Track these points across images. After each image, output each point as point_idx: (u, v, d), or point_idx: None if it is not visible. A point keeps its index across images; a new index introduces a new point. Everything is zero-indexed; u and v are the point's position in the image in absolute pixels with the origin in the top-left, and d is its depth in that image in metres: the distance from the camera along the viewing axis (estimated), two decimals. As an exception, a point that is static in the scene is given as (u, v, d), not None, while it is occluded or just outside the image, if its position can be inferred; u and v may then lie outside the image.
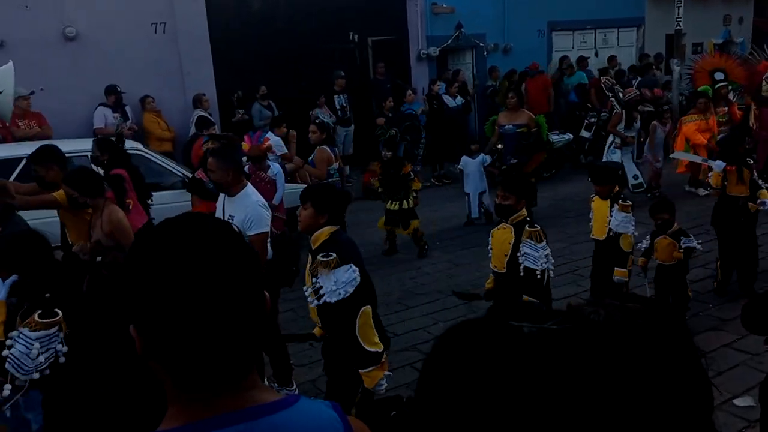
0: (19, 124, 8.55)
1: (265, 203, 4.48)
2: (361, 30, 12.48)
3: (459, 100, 12.31)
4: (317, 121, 7.65)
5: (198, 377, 1.03)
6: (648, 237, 5.55)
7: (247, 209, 4.27)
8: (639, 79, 13.02)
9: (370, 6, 12.47)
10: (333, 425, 1.16)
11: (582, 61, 14.25)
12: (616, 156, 9.34)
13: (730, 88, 10.04)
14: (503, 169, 8.32)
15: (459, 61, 14.13)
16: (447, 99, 12.12)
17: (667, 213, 5.40)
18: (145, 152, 7.51)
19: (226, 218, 4.19)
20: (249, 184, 4.51)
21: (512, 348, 0.73)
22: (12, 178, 6.49)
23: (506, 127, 8.70)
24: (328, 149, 7.33)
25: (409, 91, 11.53)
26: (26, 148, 7.10)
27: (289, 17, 11.67)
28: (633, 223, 5.13)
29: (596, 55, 15.38)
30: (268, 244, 4.50)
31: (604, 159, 9.47)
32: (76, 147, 7.31)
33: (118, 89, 9.63)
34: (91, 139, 8.75)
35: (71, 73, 9.67)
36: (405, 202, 7.66)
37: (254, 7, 11.47)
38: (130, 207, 4.01)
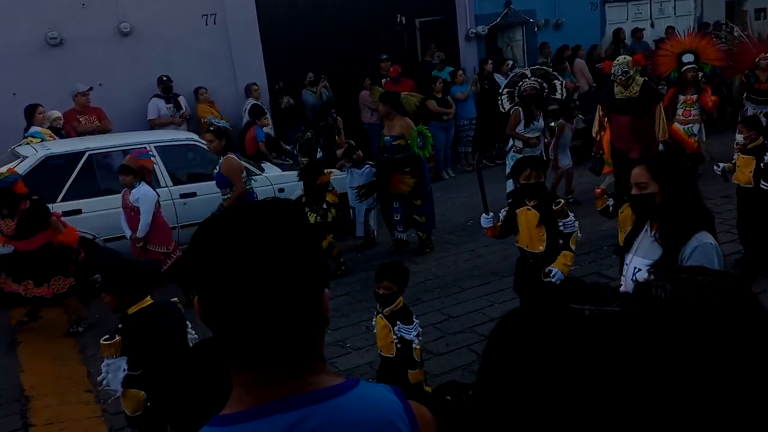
0: (80, 119, 8.83)
1: None
2: (409, 12, 12.37)
3: (510, 78, 12.10)
4: (212, 128, 6.62)
5: (247, 354, 1.06)
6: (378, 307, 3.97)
7: None
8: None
9: (417, -13, 12.35)
10: (393, 408, 1.16)
11: (637, 32, 13.80)
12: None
13: (701, 73, 8.74)
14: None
15: (509, 39, 13.87)
16: (498, 78, 11.93)
17: (388, 281, 3.82)
18: (200, 142, 7.65)
19: None
20: None
21: (573, 333, 0.71)
22: (76, 171, 6.75)
23: (386, 138, 7.32)
24: (235, 157, 6.50)
25: (460, 72, 11.40)
26: (88, 142, 7.36)
27: (336, 3, 11.66)
28: None
29: (652, 26, 14.86)
30: None
31: (507, 164, 7.92)
32: (135, 139, 7.53)
33: (164, 78, 9.78)
34: (149, 131, 9.01)
35: (127, 68, 9.90)
36: (317, 216, 6.68)
37: (301, -6, 11.52)
38: None
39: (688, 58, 8.47)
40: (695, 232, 2.78)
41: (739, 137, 6.09)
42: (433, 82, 10.79)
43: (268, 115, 9.97)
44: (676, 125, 8.61)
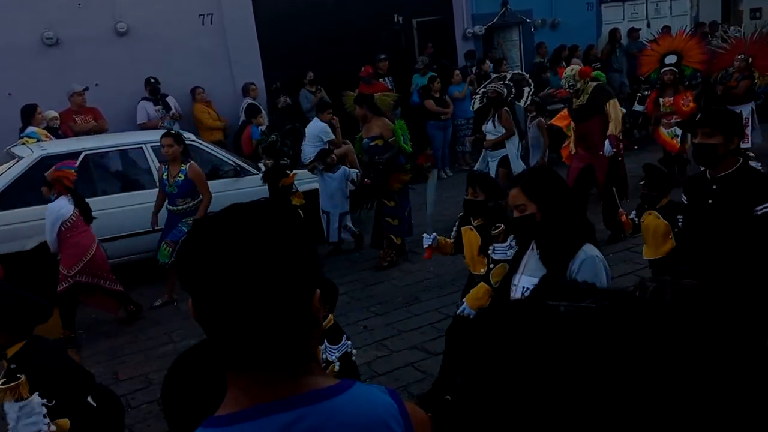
0: (76, 119, 8.82)
1: None
2: (406, 11, 12.38)
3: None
4: (173, 131, 6.48)
5: (241, 356, 1.07)
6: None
7: None
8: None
9: (414, -13, 12.35)
10: (388, 409, 1.16)
11: (633, 32, 13.84)
12: (484, 164, 8.24)
13: (687, 74, 8.67)
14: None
15: (505, 39, 13.89)
16: (495, 78, 11.95)
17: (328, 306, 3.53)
18: (197, 142, 7.64)
19: None
20: None
21: (547, 327, 0.72)
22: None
23: (364, 141, 7.22)
24: (196, 165, 6.43)
25: (457, 71, 11.41)
26: (84, 143, 7.35)
27: (334, 2, 11.66)
28: None
29: (648, 26, 14.89)
30: None
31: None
32: (131, 139, 7.53)
33: (152, 80, 9.69)
34: (146, 131, 8.97)
35: (124, 68, 9.88)
36: None
37: (298, -6, 11.51)
38: None
39: (670, 59, 8.30)
40: (581, 246, 2.70)
41: None
42: (432, 81, 10.80)
43: (264, 114, 9.96)
44: (661, 129, 8.55)
